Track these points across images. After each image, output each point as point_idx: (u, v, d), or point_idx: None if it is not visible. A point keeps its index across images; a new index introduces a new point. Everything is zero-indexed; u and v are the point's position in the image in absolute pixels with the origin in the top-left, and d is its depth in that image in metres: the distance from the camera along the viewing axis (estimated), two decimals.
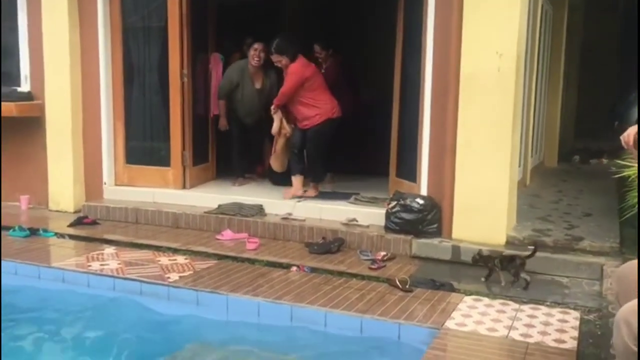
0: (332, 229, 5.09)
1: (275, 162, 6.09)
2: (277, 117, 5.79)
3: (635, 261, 2.34)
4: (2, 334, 3.51)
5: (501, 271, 4.11)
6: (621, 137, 2.43)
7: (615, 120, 7.91)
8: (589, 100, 10.90)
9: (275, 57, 5.60)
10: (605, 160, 8.87)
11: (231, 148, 6.58)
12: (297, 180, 5.83)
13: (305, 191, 5.81)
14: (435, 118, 4.90)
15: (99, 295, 4.19)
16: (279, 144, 5.99)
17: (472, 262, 4.29)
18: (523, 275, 4.03)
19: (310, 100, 5.58)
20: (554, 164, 9.01)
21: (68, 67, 6.03)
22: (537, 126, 7.94)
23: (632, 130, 2.39)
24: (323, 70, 6.31)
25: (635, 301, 1.80)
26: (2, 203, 6.21)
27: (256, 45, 6.19)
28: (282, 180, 6.18)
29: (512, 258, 4.12)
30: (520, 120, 5.04)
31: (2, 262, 4.51)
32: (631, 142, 2.35)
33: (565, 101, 9.70)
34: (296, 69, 5.50)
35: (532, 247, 4.20)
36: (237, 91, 6.30)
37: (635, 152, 2.40)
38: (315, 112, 5.58)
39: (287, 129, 5.85)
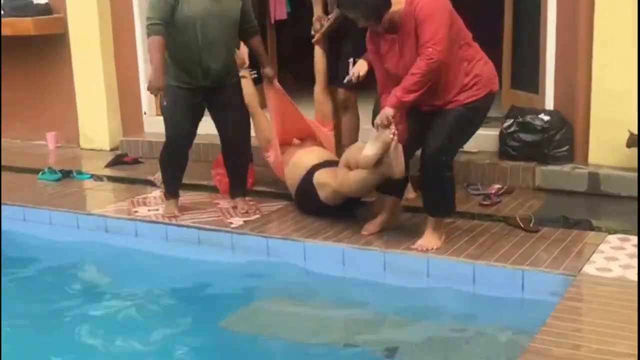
0: None
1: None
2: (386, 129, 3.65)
3: None
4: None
5: None
6: None
7: None
8: None
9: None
10: None
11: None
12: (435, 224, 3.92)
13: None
14: (563, 4, 4.79)
15: (144, 246, 4.47)
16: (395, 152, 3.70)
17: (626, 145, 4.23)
18: None
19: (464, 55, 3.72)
20: None
21: None
22: None
23: None
24: None
25: None
26: (26, 142, 6.63)
27: None
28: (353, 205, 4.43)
29: None
30: None
31: (35, 210, 4.88)
32: None
33: None
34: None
35: None
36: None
37: None
38: (469, 78, 3.74)
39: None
